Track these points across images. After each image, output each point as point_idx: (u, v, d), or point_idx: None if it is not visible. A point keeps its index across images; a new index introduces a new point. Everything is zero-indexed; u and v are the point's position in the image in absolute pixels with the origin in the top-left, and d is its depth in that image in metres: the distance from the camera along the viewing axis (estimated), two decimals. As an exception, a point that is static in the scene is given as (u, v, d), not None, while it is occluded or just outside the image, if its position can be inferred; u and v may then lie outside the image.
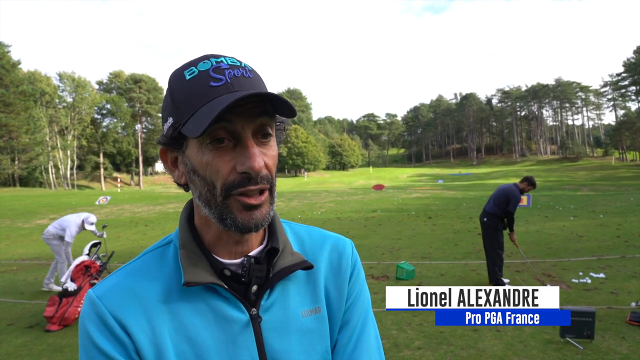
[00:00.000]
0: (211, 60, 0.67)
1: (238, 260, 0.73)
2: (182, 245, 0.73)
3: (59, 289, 6.82)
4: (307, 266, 0.76)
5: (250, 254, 0.74)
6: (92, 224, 7.00)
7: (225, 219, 0.67)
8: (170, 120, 0.68)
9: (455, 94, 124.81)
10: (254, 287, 0.73)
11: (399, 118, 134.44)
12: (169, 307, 0.69)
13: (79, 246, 11.26)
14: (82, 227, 6.95)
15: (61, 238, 6.90)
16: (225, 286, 0.70)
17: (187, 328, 0.69)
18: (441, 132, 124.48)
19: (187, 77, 0.66)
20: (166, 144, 0.71)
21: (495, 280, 6.27)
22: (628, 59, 73.68)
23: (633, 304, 5.08)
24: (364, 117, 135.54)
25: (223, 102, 0.62)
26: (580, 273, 6.89)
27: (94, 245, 6.05)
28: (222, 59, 0.68)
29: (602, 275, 6.70)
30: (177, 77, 0.68)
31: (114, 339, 0.67)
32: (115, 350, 0.66)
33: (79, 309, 5.18)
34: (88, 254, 5.84)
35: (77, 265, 5.48)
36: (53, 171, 64.26)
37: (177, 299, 0.70)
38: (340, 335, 0.80)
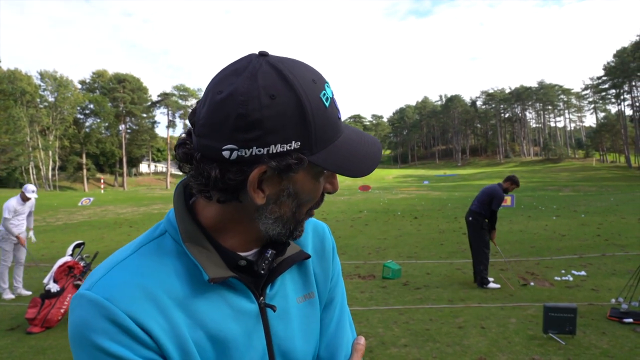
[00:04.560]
0: (327, 82, 0.66)
1: (252, 252, 0.72)
2: (186, 238, 0.66)
3: (29, 293, 6.70)
4: (306, 257, 0.78)
5: (257, 247, 0.74)
6: (33, 191, 6.68)
7: (294, 232, 0.71)
8: (296, 144, 0.61)
9: (441, 96, 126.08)
10: (265, 278, 0.73)
11: (384, 119, 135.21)
12: (185, 304, 0.64)
13: (62, 248, 11.08)
14: (21, 201, 6.62)
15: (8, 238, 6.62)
16: (240, 278, 0.69)
17: (206, 324, 0.65)
18: (426, 133, 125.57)
19: (327, 105, 0.63)
20: (283, 170, 0.61)
21: (481, 279, 6.35)
22: (608, 63, 75.05)
23: (613, 300, 5.20)
24: (350, 118, 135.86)
25: (368, 150, 0.69)
26: (563, 271, 7.03)
27: (77, 245, 5.95)
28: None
29: (583, 273, 6.85)
30: (315, 101, 0.61)
31: (137, 344, 0.59)
32: (141, 357, 0.59)
33: (61, 310, 5.08)
34: (71, 255, 5.74)
35: (60, 266, 5.38)
36: (34, 172, 62.99)
37: (193, 295, 0.65)
38: (325, 313, 0.84)
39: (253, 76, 0.60)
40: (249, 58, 0.63)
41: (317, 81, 0.63)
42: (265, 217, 0.67)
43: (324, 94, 0.63)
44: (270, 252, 0.72)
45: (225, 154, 0.60)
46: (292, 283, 0.78)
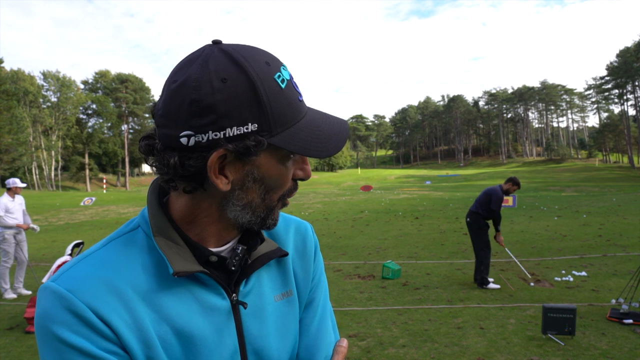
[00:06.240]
0: (284, 65, 0.66)
1: (224, 247, 0.72)
2: (157, 232, 0.66)
3: (28, 292, 6.72)
4: (283, 254, 0.77)
5: (231, 241, 0.73)
6: (20, 180, 6.74)
7: (266, 220, 0.70)
8: (253, 126, 0.60)
9: (443, 96, 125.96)
10: (237, 274, 0.73)
11: (387, 119, 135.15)
12: (150, 298, 0.64)
13: (63, 247, 11.11)
14: (10, 197, 6.62)
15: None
16: (210, 274, 0.68)
17: (172, 319, 0.64)
18: (429, 133, 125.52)
19: (282, 86, 0.63)
20: (242, 152, 0.61)
21: (480, 279, 6.32)
22: (611, 63, 74.85)
23: (613, 301, 5.17)
24: (352, 118, 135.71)
25: (333, 130, 0.68)
26: (563, 271, 6.99)
27: (77, 245, 5.95)
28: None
29: (584, 273, 6.82)
30: (269, 82, 0.61)
31: (97, 336, 0.59)
32: (101, 349, 0.59)
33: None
34: (70, 254, 5.75)
35: (59, 266, 5.38)
36: (37, 172, 63.25)
37: (159, 290, 0.65)
38: (305, 313, 0.83)
39: (204, 62, 0.60)
40: (203, 47, 0.64)
41: (271, 63, 0.63)
42: (232, 204, 0.67)
43: (279, 76, 0.63)
44: (240, 247, 0.71)
45: (183, 140, 0.60)
46: (269, 281, 0.77)
